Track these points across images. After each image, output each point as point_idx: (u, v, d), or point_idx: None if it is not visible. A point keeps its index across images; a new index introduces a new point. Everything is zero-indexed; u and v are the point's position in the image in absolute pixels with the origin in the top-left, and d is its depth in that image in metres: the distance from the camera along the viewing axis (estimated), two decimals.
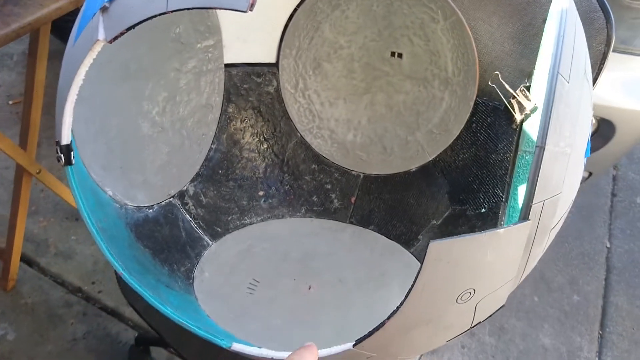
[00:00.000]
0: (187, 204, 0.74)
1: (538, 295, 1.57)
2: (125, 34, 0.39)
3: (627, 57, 0.92)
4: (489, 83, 0.70)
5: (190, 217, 0.73)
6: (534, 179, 0.38)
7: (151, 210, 0.67)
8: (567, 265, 1.65)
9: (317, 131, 0.86)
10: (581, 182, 1.15)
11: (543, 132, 0.38)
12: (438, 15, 0.74)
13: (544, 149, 0.38)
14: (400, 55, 0.81)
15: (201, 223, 0.74)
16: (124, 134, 0.66)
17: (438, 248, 0.35)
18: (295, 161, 0.86)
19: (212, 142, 0.80)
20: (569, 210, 0.52)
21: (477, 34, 0.73)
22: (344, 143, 0.86)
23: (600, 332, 1.55)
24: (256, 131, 0.84)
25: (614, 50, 0.94)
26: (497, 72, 0.69)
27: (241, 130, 0.83)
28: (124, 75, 0.65)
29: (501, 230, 0.37)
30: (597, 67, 0.65)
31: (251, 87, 0.83)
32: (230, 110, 0.82)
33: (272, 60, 0.83)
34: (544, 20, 0.67)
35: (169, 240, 0.67)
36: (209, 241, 0.74)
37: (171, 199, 0.72)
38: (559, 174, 0.41)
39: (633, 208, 1.88)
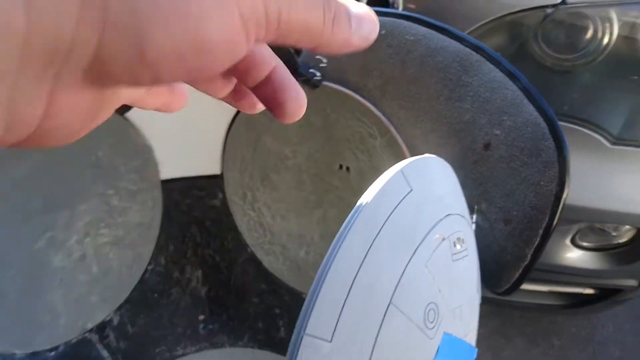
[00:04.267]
0: (107, 337, 0.69)
1: None
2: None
3: None
4: None
5: (109, 352, 0.69)
6: None
7: (53, 353, 0.64)
8: None
9: (269, 247, 0.78)
10: (630, 292, 0.92)
11: None
12: (374, 131, 0.63)
13: None
14: (348, 169, 0.70)
15: (120, 359, 0.69)
16: (24, 271, 0.63)
17: None
18: (243, 280, 0.78)
19: (149, 263, 0.75)
20: None
21: (417, 153, 0.60)
22: (296, 260, 0.77)
23: None
24: (201, 248, 0.78)
25: (631, 145, 0.74)
26: None
27: (183, 248, 0.78)
28: (24, 215, 0.63)
29: None
30: (549, 212, 0.49)
31: (194, 202, 0.77)
32: (171, 227, 0.76)
33: (216, 172, 0.77)
34: (485, 146, 0.54)
35: None
36: None
37: (86, 334, 0.68)
38: None
39: None
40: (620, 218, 0.75)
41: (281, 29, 0.18)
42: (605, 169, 0.73)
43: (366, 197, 0.31)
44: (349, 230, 0.29)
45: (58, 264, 0.67)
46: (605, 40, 0.71)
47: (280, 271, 0.77)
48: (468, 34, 0.71)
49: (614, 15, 0.69)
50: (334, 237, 0.73)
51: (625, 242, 0.84)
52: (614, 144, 0.73)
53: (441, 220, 0.35)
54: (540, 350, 1.36)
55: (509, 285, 0.55)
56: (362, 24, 0.21)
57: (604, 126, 0.72)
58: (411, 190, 0.34)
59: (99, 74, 0.16)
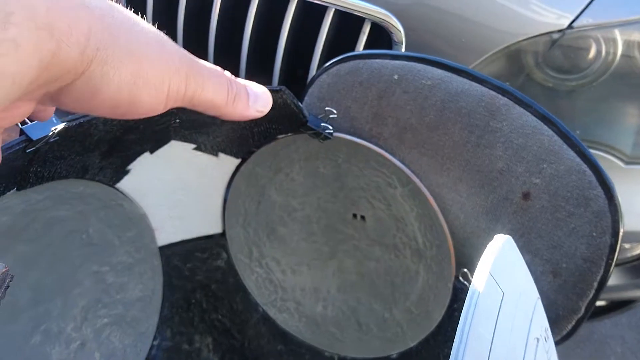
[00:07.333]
0: None
1: None
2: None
3: None
4: (459, 278, 0.53)
5: None
6: None
7: None
8: None
9: (282, 303, 0.73)
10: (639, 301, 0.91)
11: None
12: (394, 181, 0.59)
13: None
14: (363, 218, 0.66)
15: None
16: None
17: None
18: (258, 342, 0.73)
19: (154, 338, 0.69)
20: None
21: (444, 203, 0.56)
22: (313, 316, 0.72)
23: None
24: (208, 313, 0.72)
25: None
26: (465, 270, 0.52)
27: (190, 316, 0.71)
28: (13, 312, 0.55)
29: None
30: (604, 264, 0.46)
31: (196, 265, 0.71)
32: (174, 296, 0.70)
33: (218, 230, 0.71)
34: (525, 196, 0.50)
35: None
36: None
37: None
38: None
39: None
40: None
41: (193, 102, 0.25)
42: (622, 190, 0.71)
43: (466, 323, 0.27)
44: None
45: (57, 357, 0.60)
46: (609, 59, 0.69)
47: (297, 329, 0.72)
48: (473, 68, 0.68)
49: (618, 35, 0.68)
50: (354, 289, 0.69)
51: (639, 254, 0.83)
52: (628, 163, 0.71)
53: (532, 319, 0.31)
54: None
55: (560, 338, 0.52)
56: (258, 101, 0.28)
57: (617, 146, 0.71)
58: (503, 294, 0.29)
59: (52, 98, 0.21)
